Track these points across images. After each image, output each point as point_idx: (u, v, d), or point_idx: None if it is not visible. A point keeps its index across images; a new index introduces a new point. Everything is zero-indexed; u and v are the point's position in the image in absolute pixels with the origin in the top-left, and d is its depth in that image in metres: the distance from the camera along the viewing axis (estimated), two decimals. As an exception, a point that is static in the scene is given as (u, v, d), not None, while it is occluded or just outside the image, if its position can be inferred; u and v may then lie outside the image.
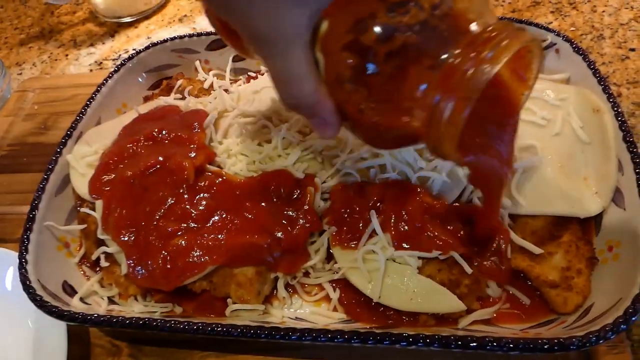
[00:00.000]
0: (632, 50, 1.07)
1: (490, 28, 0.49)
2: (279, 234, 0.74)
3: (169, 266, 0.71)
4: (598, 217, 0.74)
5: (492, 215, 0.67)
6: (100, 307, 0.76)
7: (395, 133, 0.57)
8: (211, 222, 0.75)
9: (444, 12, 0.50)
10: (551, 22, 1.15)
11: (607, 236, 0.72)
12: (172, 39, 1.02)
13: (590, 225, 0.75)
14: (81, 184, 0.84)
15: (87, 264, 0.82)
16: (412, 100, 0.52)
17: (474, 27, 0.50)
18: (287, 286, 0.77)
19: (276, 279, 0.76)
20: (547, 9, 1.19)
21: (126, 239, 0.74)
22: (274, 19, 0.49)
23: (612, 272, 0.68)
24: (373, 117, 0.55)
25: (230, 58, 1.04)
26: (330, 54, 0.52)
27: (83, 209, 0.82)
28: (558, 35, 0.87)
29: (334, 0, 0.50)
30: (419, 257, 0.71)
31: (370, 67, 0.51)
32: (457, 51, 0.49)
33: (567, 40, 0.86)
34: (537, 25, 0.89)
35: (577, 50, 0.84)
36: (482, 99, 0.48)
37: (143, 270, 0.72)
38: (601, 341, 0.57)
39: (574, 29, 1.13)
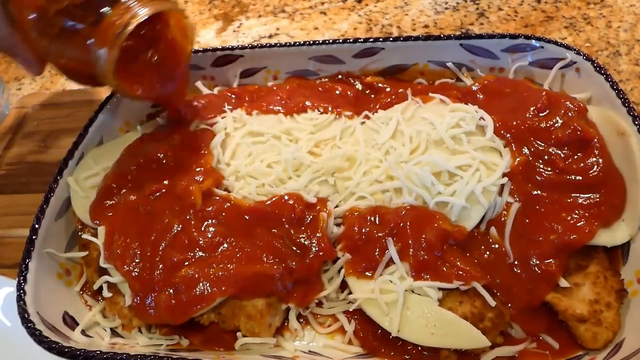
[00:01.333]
0: (650, 67, 1.05)
1: None
2: (292, 263, 0.70)
3: (174, 302, 0.67)
4: (625, 246, 0.71)
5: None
6: (102, 340, 0.72)
7: (81, 73, 0.77)
8: (219, 250, 0.71)
9: None
10: (565, 38, 1.13)
11: (635, 266, 0.68)
12: (177, 55, 0.99)
13: (617, 254, 0.72)
14: (82, 208, 0.80)
15: (89, 293, 0.78)
16: (83, 49, 0.70)
17: None
18: (299, 317, 0.73)
19: (287, 309, 0.72)
20: (560, 24, 1.16)
21: (131, 269, 0.70)
22: None
23: (643, 305, 0.65)
24: (59, 60, 0.75)
25: (238, 74, 1.01)
26: (17, 8, 0.69)
27: (85, 235, 0.78)
28: (578, 53, 0.84)
29: None
30: (439, 288, 0.67)
31: (46, 22, 0.68)
32: (110, 10, 0.69)
33: (588, 59, 0.83)
34: (556, 42, 0.86)
35: (599, 69, 0.81)
36: (150, 48, 0.77)
37: (148, 307, 0.68)
38: (639, 384, 0.53)
39: (589, 45, 1.11)
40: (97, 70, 0.71)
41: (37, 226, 0.77)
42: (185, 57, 0.83)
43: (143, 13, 0.69)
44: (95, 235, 0.77)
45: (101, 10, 0.69)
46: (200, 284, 0.68)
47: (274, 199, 0.76)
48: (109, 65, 0.70)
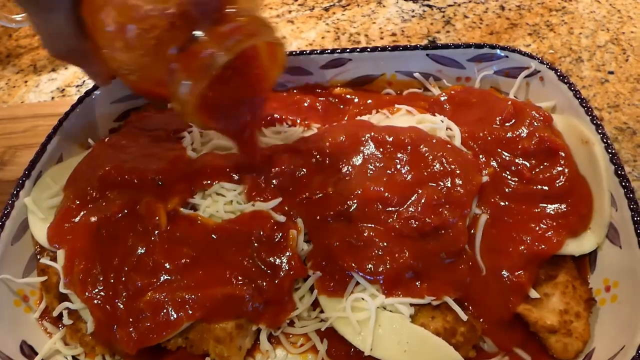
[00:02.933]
0: (611, 73, 1.07)
1: (240, 18, 0.56)
2: (262, 283, 0.68)
3: (137, 334, 0.65)
4: (592, 255, 0.72)
5: (252, 156, 0.76)
6: (64, 369, 0.69)
7: (152, 93, 0.64)
8: (186, 272, 0.69)
9: None
10: (529, 45, 1.14)
11: (603, 275, 0.69)
12: (140, 67, 0.96)
13: (584, 262, 0.72)
14: (41, 231, 0.76)
15: (48, 319, 0.74)
16: (162, 72, 0.57)
17: (226, 12, 0.56)
18: (270, 337, 0.71)
19: (258, 330, 0.71)
20: (524, 31, 1.18)
21: (92, 296, 0.67)
22: None
23: (611, 314, 0.65)
24: (129, 79, 0.61)
25: (203, 86, 0.98)
26: (92, 19, 0.56)
27: (43, 259, 0.75)
28: (542, 62, 0.85)
29: None
30: (411, 304, 0.66)
31: (123, 39, 0.55)
32: (203, 34, 0.55)
33: (552, 68, 0.84)
34: (520, 52, 0.87)
35: (562, 78, 0.82)
36: (235, 74, 0.60)
37: (112, 335, 0.65)
38: (610, 395, 0.54)
39: (552, 51, 1.12)
40: (174, 99, 0.58)
41: (-9, 251, 0.73)
42: (270, 84, 0.69)
43: (240, 45, 0.55)
44: (55, 259, 0.74)
45: (193, 33, 0.55)
46: (166, 309, 0.66)
47: (241, 217, 0.74)
48: (191, 100, 0.57)
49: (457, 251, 0.69)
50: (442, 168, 0.74)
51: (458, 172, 0.73)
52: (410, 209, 0.71)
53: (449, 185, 0.72)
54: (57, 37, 0.60)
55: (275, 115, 0.89)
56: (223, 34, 0.55)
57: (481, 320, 0.67)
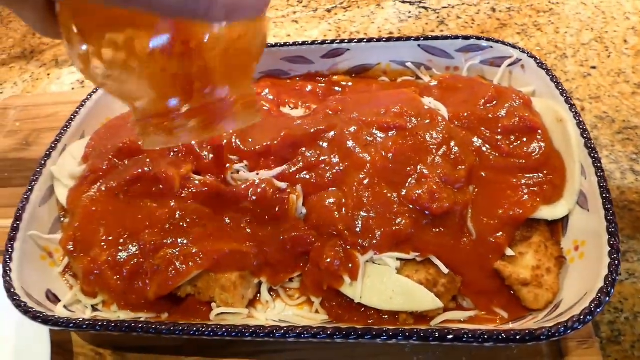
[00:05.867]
0: (594, 68, 1.15)
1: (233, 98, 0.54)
2: (265, 247, 0.76)
3: (152, 285, 0.73)
4: (565, 219, 0.78)
5: None
6: (84, 314, 0.76)
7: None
8: (197, 229, 0.76)
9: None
10: (518, 43, 1.22)
11: (573, 236, 0.76)
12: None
13: (558, 227, 0.79)
14: (64, 196, 0.85)
15: (71, 273, 0.82)
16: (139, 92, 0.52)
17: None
18: (270, 290, 0.78)
19: (259, 283, 0.78)
20: (513, 31, 1.26)
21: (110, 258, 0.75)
22: None
23: (579, 269, 0.72)
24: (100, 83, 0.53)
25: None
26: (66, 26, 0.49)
27: (66, 221, 0.83)
28: (523, 52, 0.93)
29: None
30: (398, 259, 0.73)
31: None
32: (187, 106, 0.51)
33: (532, 56, 0.92)
34: (504, 43, 0.95)
35: (541, 65, 0.90)
36: None
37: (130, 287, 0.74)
38: (569, 331, 0.60)
39: (539, 48, 1.20)
40: (138, 130, 0.55)
41: (21, 212, 0.81)
42: None
43: (216, 133, 0.55)
44: (77, 220, 0.82)
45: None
46: (179, 260, 0.73)
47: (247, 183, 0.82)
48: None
49: (449, 224, 0.76)
50: (440, 147, 0.80)
51: (457, 152, 0.80)
52: (417, 191, 0.75)
53: (449, 165, 0.78)
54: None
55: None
56: (206, 114, 0.53)
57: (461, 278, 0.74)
